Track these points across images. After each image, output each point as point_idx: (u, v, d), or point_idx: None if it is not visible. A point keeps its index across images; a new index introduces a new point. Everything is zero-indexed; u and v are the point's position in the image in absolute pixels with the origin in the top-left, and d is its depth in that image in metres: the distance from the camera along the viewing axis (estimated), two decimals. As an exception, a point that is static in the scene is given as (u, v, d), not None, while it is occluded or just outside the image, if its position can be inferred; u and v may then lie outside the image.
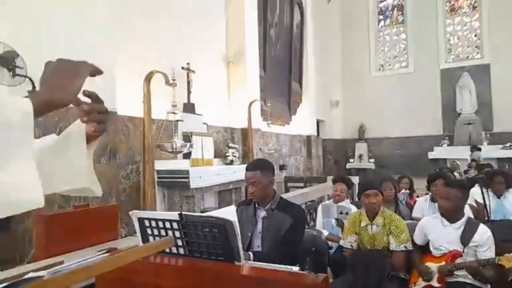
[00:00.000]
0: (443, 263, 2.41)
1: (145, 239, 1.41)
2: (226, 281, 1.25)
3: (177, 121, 4.81)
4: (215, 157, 5.93)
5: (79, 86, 0.82)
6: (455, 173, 6.88)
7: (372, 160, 12.52)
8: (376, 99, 12.86)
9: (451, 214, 2.47)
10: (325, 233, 3.32)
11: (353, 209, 3.19)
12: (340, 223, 3.14)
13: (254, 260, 1.77)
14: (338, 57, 13.47)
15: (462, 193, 2.50)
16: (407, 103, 12.31)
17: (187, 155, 5.27)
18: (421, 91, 12.25)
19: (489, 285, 2.37)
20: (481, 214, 3.71)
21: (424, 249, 2.61)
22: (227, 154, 6.22)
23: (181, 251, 1.36)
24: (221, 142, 6.55)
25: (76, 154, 0.94)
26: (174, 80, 4.25)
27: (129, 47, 4.62)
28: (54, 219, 2.36)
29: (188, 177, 4.54)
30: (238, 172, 5.39)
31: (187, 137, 5.14)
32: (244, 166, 2.57)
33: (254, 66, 7.58)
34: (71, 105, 0.83)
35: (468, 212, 2.80)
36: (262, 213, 2.24)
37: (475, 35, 12.43)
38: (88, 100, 0.89)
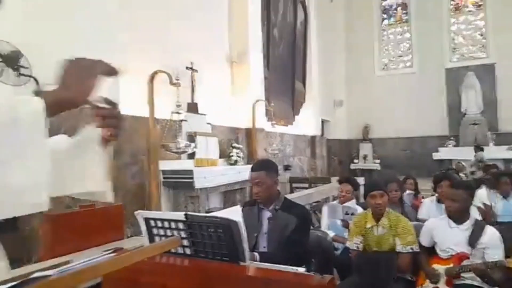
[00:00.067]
0: (450, 265, 2.39)
1: (151, 239, 1.40)
2: (231, 281, 1.24)
3: (181, 121, 4.82)
4: (219, 157, 5.93)
5: (93, 87, 0.82)
6: (461, 174, 6.84)
7: (377, 160, 12.46)
8: (381, 99, 12.81)
9: (457, 216, 2.46)
10: (331, 234, 3.31)
11: (359, 210, 3.18)
12: (345, 224, 3.13)
13: (260, 261, 1.77)
14: (342, 57, 13.43)
15: (468, 194, 2.48)
16: (412, 103, 12.25)
17: (191, 155, 5.28)
18: (425, 91, 12.18)
19: (497, 288, 2.35)
20: (488, 215, 3.68)
21: (430, 251, 2.59)
22: (231, 154, 6.23)
23: (187, 251, 1.36)
24: (225, 142, 6.55)
25: (90, 157, 0.95)
26: (178, 80, 4.26)
27: (133, 47, 4.63)
28: (61, 219, 2.37)
29: (192, 177, 4.55)
30: (242, 172, 5.39)
31: (191, 137, 5.14)
32: (249, 166, 2.57)
33: (258, 65, 7.57)
34: (84, 106, 0.83)
35: (475, 214, 2.78)
36: (267, 214, 2.24)
37: (480, 34, 12.34)
38: (101, 103, 0.89)
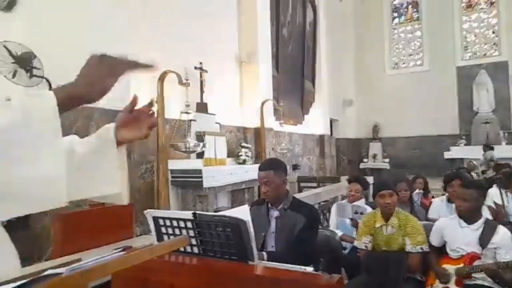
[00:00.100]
0: (461, 265, 2.36)
1: (159, 238, 1.42)
2: (239, 280, 1.25)
3: (190, 120, 4.85)
4: (228, 156, 5.95)
5: (110, 87, 0.83)
6: (472, 173, 6.74)
7: (387, 160, 12.36)
8: (391, 98, 12.69)
9: (468, 215, 2.43)
10: (339, 233, 3.29)
11: (368, 209, 3.16)
12: (354, 223, 3.11)
13: (268, 260, 1.77)
14: (351, 56, 13.32)
15: (480, 194, 2.45)
16: (423, 102, 12.11)
17: (200, 155, 5.30)
18: (437, 90, 12.02)
19: (508, 288, 2.32)
20: (500, 215, 3.63)
21: (440, 251, 2.56)
22: (240, 153, 6.24)
23: (195, 250, 1.37)
24: (234, 141, 6.57)
25: (108, 160, 0.96)
26: (187, 80, 4.28)
27: (143, 47, 4.66)
28: (71, 218, 2.40)
29: (201, 177, 4.56)
30: (250, 171, 5.39)
31: (200, 137, 5.17)
32: (257, 165, 2.57)
33: (267, 65, 7.57)
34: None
35: (486, 214, 2.75)
36: (275, 213, 2.24)
37: (493, 32, 12.15)
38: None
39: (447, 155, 11.26)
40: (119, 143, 1.00)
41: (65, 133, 0.91)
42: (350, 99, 13.16)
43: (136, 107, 1.00)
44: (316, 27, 10.82)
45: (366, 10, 13.36)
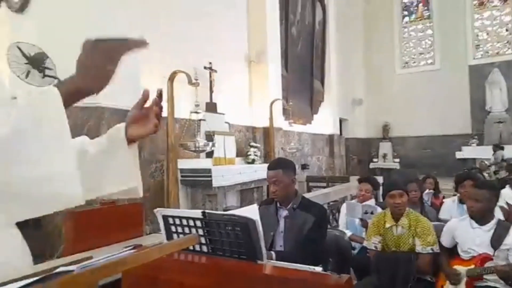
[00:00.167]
0: (472, 266, 2.33)
1: (169, 236, 1.43)
2: (248, 279, 1.25)
3: (200, 120, 4.87)
4: (237, 156, 5.96)
5: (112, 73, 0.81)
6: (485, 174, 6.65)
7: (397, 159, 12.25)
8: (401, 97, 12.57)
9: (480, 216, 2.39)
10: (348, 233, 3.28)
11: (378, 209, 3.14)
12: (364, 223, 3.09)
13: (276, 260, 1.77)
14: (361, 55, 13.24)
15: (492, 195, 2.41)
16: (434, 101, 11.96)
17: (209, 154, 5.32)
18: (448, 89, 11.87)
19: (521, 290, 2.28)
20: (512, 216, 3.57)
21: (451, 252, 2.53)
22: (249, 153, 6.25)
23: (204, 249, 1.37)
24: (243, 141, 6.58)
25: (121, 156, 0.97)
26: (196, 79, 4.31)
27: (152, 48, 4.69)
28: (82, 216, 2.43)
29: (210, 176, 4.59)
30: (259, 171, 5.40)
31: (209, 136, 5.19)
32: (266, 165, 2.57)
33: (276, 65, 7.56)
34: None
35: (498, 214, 2.70)
36: (284, 212, 2.24)
37: (506, 30, 11.95)
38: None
39: (458, 155, 11.13)
40: (130, 141, 1.00)
41: (77, 132, 0.92)
42: (360, 99, 13.07)
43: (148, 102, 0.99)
44: (325, 26, 10.77)
45: (376, 9, 13.25)
